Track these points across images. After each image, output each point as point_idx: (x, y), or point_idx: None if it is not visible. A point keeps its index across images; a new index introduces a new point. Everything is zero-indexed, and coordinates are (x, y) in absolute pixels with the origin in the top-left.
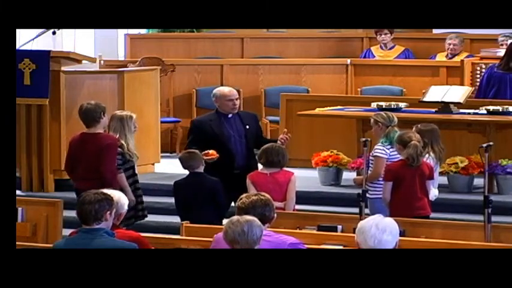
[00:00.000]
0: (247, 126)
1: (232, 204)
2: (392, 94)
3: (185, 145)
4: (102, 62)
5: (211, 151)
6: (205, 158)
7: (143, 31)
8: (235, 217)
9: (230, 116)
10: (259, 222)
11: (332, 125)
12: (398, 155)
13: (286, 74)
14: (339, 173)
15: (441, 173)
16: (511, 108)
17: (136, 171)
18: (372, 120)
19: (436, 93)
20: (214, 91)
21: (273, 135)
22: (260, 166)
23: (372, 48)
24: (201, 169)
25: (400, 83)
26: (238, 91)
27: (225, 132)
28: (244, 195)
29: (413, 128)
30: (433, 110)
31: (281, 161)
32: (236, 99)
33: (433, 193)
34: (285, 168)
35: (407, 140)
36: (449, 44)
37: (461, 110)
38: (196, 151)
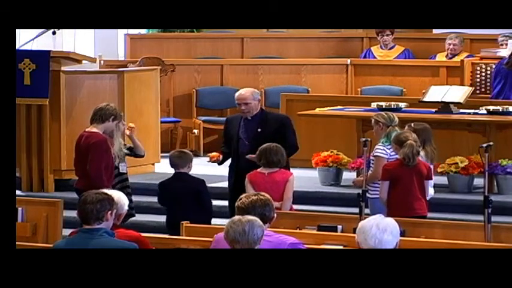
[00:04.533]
0: (259, 130)
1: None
2: (392, 94)
3: (185, 145)
4: (102, 62)
5: (212, 154)
6: (209, 159)
7: (143, 31)
8: (236, 217)
9: (250, 118)
10: (261, 222)
11: (332, 125)
12: (398, 155)
13: (286, 74)
14: (339, 173)
15: (441, 173)
16: (511, 108)
17: (124, 170)
18: (372, 120)
19: (436, 93)
20: None
21: None
22: None
23: (372, 48)
24: (186, 170)
25: (400, 83)
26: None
27: (237, 132)
28: (244, 195)
29: (406, 127)
30: (433, 110)
31: (281, 160)
32: (245, 103)
33: (429, 192)
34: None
35: (404, 139)
36: (449, 44)
37: (461, 110)
38: (188, 152)
